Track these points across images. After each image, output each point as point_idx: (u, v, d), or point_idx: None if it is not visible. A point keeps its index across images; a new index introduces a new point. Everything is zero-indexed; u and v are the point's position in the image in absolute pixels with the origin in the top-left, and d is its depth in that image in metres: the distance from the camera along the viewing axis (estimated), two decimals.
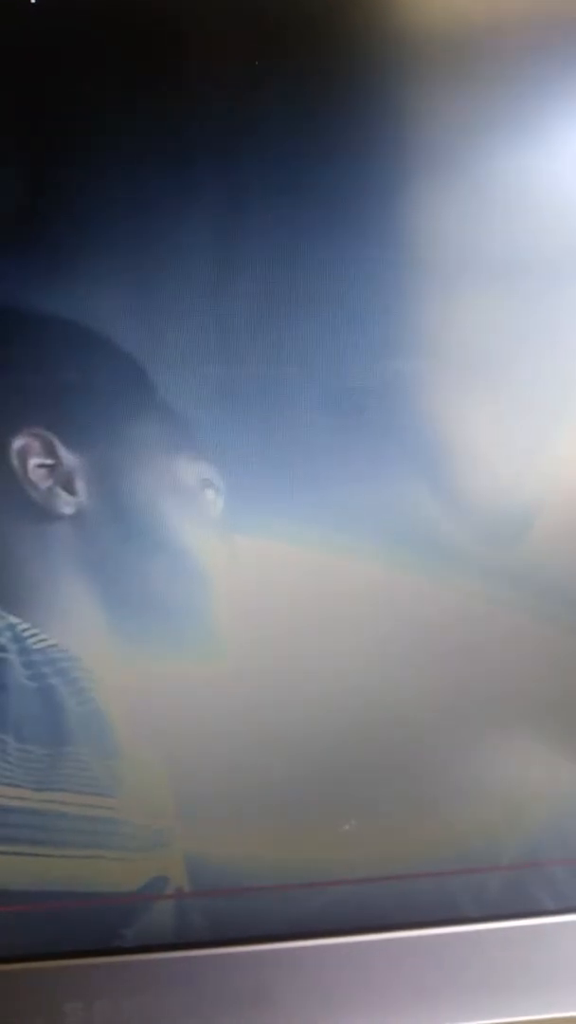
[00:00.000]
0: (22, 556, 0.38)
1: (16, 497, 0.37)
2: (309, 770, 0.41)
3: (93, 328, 0.36)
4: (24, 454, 0.36)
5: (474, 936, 0.42)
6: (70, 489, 0.37)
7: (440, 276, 0.37)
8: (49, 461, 0.37)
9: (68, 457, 0.37)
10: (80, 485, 0.37)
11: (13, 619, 0.38)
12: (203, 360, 0.37)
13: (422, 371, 0.38)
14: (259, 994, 0.41)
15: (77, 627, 0.38)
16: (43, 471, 0.37)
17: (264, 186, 0.36)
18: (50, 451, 0.37)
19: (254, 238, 0.36)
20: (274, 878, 0.41)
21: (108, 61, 0.34)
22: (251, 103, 0.35)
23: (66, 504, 0.37)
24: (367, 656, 0.40)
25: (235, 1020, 0.41)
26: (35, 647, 0.38)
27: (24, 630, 0.38)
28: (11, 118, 0.34)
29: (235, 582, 0.38)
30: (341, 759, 0.41)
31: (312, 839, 0.41)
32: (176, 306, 0.36)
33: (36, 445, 0.36)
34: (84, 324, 0.36)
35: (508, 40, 0.36)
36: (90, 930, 0.40)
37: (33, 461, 0.37)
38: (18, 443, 0.36)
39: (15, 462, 0.37)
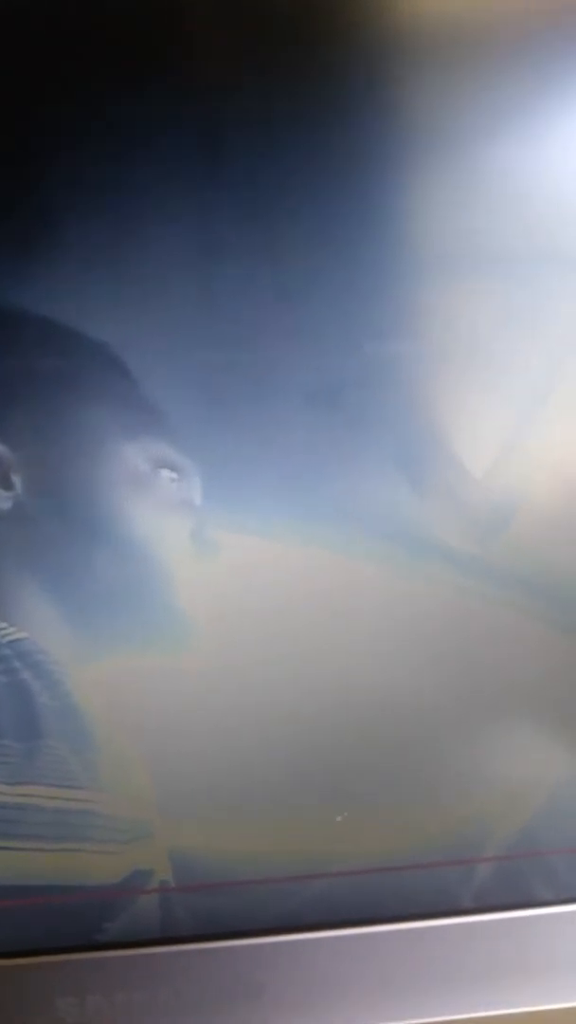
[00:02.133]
0: None
1: None
2: (292, 760, 0.40)
3: (52, 315, 0.35)
4: None
5: (471, 927, 0.42)
6: (6, 484, 0.37)
7: (426, 267, 0.37)
8: None
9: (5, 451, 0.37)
10: (24, 477, 0.37)
11: None
12: (180, 346, 0.36)
13: (406, 363, 0.37)
14: (252, 988, 0.41)
15: (46, 621, 0.38)
16: None
17: (248, 171, 0.35)
18: None
19: (237, 223, 0.35)
20: (264, 871, 0.41)
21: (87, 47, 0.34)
22: (235, 88, 0.34)
23: (3, 499, 0.37)
24: (348, 648, 0.39)
25: (229, 1014, 0.41)
26: (6, 640, 0.38)
27: None
28: None
29: (208, 573, 0.38)
30: (325, 749, 0.40)
31: (299, 830, 0.41)
32: (150, 288, 0.35)
33: None
34: (38, 309, 0.35)
35: (504, 35, 0.35)
36: (79, 925, 0.40)
37: None
38: None
39: None
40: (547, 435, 0.38)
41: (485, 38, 0.35)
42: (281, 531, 0.38)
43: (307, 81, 0.34)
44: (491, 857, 0.42)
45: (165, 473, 0.37)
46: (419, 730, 0.41)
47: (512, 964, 0.42)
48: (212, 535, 0.38)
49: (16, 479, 0.37)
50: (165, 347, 0.36)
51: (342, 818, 0.41)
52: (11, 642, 0.38)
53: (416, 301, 0.37)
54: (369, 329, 0.37)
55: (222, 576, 0.38)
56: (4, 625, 0.38)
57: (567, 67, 0.35)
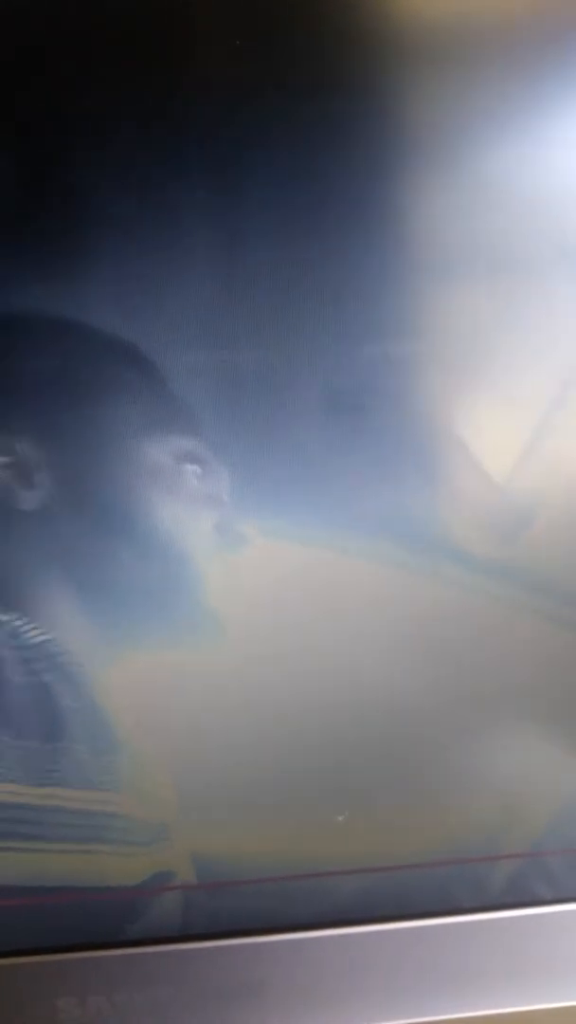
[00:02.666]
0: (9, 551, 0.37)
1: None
2: (309, 760, 0.40)
3: (76, 315, 0.35)
4: None
5: (472, 927, 0.42)
6: (31, 483, 0.37)
7: (443, 271, 0.37)
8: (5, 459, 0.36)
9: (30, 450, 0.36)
10: (49, 476, 0.37)
11: (4, 616, 0.38)
12: (203, 344, 0.36)
13: (424, 366, 0.38)
14: (254, 987, 0.41)
15: (70, 621, 0.38)
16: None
17: (267, 172, 0.35)
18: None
19: (256, 218, 0.36)
20: (275, 870, 0.41)
21: (102, 47, 0.34)
22: (253, 92, 0.35)
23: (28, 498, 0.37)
24: (367, 648, 0.40)
25: (230, 1013, 0.41)
26: (30, 642, 0.38)
27: (19, 625, 0.38)
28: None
29: (232, 572, 0.38)
30: (340, 750, 0.41)
31: (314, 830, 0.41)
32: (171, 287, 0.36)
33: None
34: (63, 309, 0.35)
35: (501, 37, 0.36)
36: (84, 925, 0.40)
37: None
38: None
39: None
40: (565, 440, 0.39)
41: (482, 39, 0.35)
42: (303, 530, 0.38)
43: (325, 90, 0.35)
44: (496, 856, 0.42)
45: (189, 469, 0.37)
46: (428, 732, 0.41)
47: (513, 963, 0.42)
48: (238, 532, 0.38)
49: (41, 478, 0.36)
50: (188, 345, 0.36)
51: (343, 818, 0.41)
52: (36, 643, 0.38)
53: (435, 303, 0.38)
54: (390, 330, 0.37)
55: (246, 575, 0.38)
56: (29, 625, 0.38)
57: (566, 66, 0.36)
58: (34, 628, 0.38)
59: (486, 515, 0.39)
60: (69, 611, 0.38)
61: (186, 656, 0.39)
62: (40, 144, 0.34)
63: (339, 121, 0.35)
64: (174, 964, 0.40)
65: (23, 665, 0.38)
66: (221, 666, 0.39)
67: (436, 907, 0.42)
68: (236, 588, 0.38)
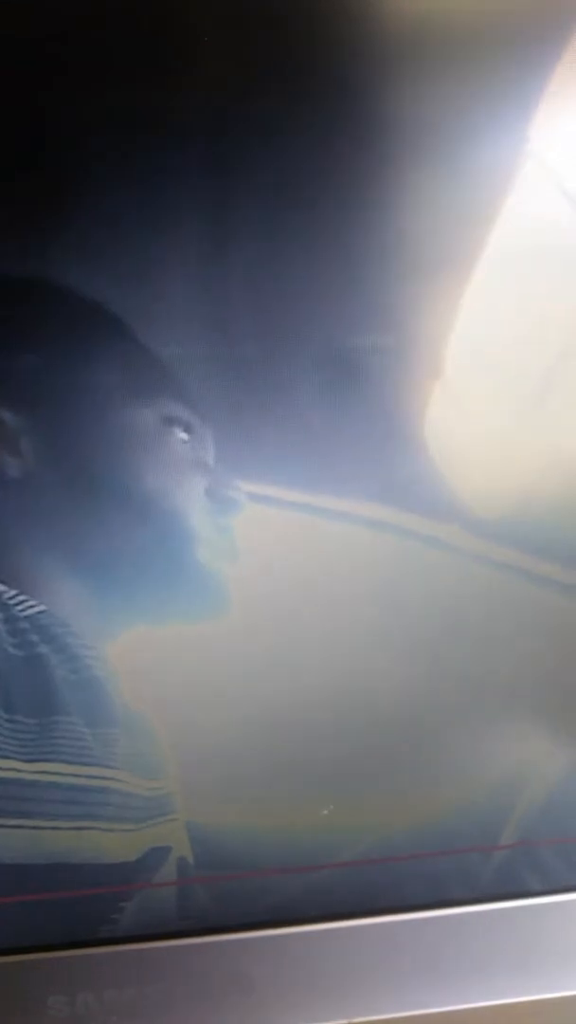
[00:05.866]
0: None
1: None
2: (308, 734, 0.40)
3: (59, 279, 0.35)
4: None
5: (464, 919, 0.41)
6: (15, 451, 0.36)
7: (434, 252, 0.38)
8: None
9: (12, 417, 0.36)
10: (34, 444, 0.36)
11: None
12: (189, 306, 0.36)
13: (417, 328, 0.38)
14: (245, 982, 0.40)
15: (62, 592, 0.37)
16: None
17: (259, 156, 0.36)
18: None
19: (248, 184, 0.36)
20: (272, 860, 0.40)
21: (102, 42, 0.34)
22: (246, 81, 0.35)
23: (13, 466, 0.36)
24: (363, 623, 0.40)
25: (222, 1009, 0.40)
26: (23, 614, 0.37)
27: (11, 597, 0.37)
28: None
29: (226, 539, 0.38)
30: (337, 731, 0.40)
31: (311, 807, 0.41)
32: (160, 252, 0.36)
33: None
34: (45, 273, 0.35)
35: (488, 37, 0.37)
36: (73, 922, 0.39)
37: None
38: None
39: None
40: (559, 411, 0.40)
41: (467, 39, 0.36)
42: (304, 500, 0.38)
43: (320, 85, 0.36)
44: (489, 847, 0.42)
45: (177, 433, 0.37)
46: (424, 713, 0.41)
47: (505, 955, 0.42)
48: (230, 496, 0.38)
49: (26, 445, 0.36)
50: (174, 308, 0.36)
51: (328, 811, 0.41)
52: (28, 615, 0.37)
53: (420, 282, 0.38)
54: (387, 308, 0.38)
55: (242, 540, 0.38)
56: (21, 597, 0.37)
57: (553, 66, 0.37)
58: (26, 600, 0.37)
59: (485, 482, 0.40)
60: (62, 581, 0.37)
61: (185, 628, 0.38)
62: (40, 141, 0.35)
63: (333, 118, 0.36)
64: (164, 960, 0.40)
65: (14, 637, 0.37)
66: (219, 635, 0.38)
67: (428, 899, 0.41)
68: (232, 555, 0.38)
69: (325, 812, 0.41)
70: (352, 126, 0.36)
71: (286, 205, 0.36)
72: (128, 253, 0.36)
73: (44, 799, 0.38)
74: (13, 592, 0.37)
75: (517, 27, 0.36)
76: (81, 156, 0.35)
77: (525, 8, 0.36)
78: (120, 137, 0.35)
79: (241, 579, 0.38)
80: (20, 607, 0.37)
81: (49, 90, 0.34)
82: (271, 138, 0.36)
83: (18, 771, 0.37)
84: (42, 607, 0.37)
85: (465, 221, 0.38)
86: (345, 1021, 0.40)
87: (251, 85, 0.35)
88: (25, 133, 0.34)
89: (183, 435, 0.37)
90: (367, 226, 0.37)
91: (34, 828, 0.38)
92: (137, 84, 0.35)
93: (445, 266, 0.38)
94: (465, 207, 0.37)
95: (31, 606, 0.37)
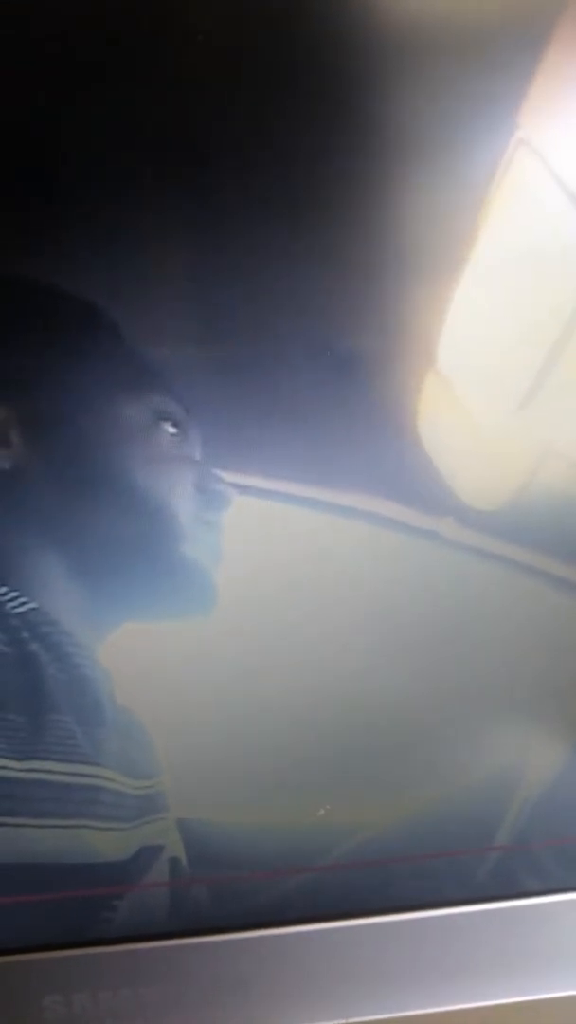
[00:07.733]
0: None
1: None
2: (302, 732, 0.40)
3: (48, 275, 0.35)
4: None
5: (459, 920, 0.41)
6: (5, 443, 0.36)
7: (426, 249, 0.38)
8: None
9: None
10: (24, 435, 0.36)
11: None
12: (179, 300, 0.36)
13: (408, 322, 0.38)
14: (241, 982, 0.40)
15: (54, 589, 0.37)
16: None
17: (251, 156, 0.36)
18: None
19: (236, 180, 0.36)
20: (268, 860, 0.40)
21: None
22: (240, 82, 0.35)
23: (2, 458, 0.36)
24: (356, 618, 0.40)
25: (217, 1009, 0.40)
26: (14, 611, 0.37)
27: (2, 594, 0.37)
28: None
29: (217, 534, 0.38)
30: (331, 728, 0.40)
31: (305, 806, 0.40)
32: (148, 247, 0.36)
33: None
34: (35, 270, 0.35)
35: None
36: (68, 922, 0.39)
37: None
38: None
39: None
40: (556, 402, 0.39)
41: (467, 39, 0.36)
42: (296, 494, 0.38)
43: (314, 86, 0.35)
44: (485, 848, 0.42)
45: (166, 428, 0.37)
46: (426, 710, 0.41)
47: (502, 955, 0.41)
48: (219, 491, 0.37)
49: (15, 437, 0.36)
50: (163, 302, 0.36)
51: (324, 811, 0.40)
52: (19, 613, 0.37)
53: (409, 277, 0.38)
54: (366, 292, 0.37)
55: (231, 536, 0.38)
56: (12, 594, 0.37)
57: (552, 65, 0.36)
58: (17, 597, 0.37)
59: (483, 476, 0.39)
60: (52, 578, 0.37)
61: (176, 624, 0.38)
62: (33, 142, 0.35)
63: (324, 119, 0.35)
64: (159, 961, 0.39)
65: (4, 634, 0.37)
66: (210, 631, 0.38)
67: (423, 900, 0.41)
68: (222, 550, 0.38)
69: (321, 812, 0.40)
70: (344, 126, 0.36)
71: (277, 201, 0.36)
72: (120, 251, 0.36)
73: (35, 797, 0.37)
74: (4, 589, 0.37)
75: (517, 27, 0.36)
76: (73, 157, 0.35)
77: (525, 8, 0.36)
78: (112, 138, 0.35)
79: (232, 574, 0.38)
80: (11, 604, 0.37)
81: (41, 91, 0.34)
82: (262, 138, 0.35)
83: (8, 769, 0.37)
84: (33, 604, 0.37)
85: (458, 218, 0.37)
86: (340, 1022, 0.40)
87: (245, 85, 0.35)
88: (19, 134, 0.34)
89: (172, 429, 0.37)
90: (359, 225, 0.37)
91: (25, 826, 0.38)
92: (133, 84, 0.35)
93: (436, 262, 0.38)
94: (458, 205, 0.37)
95: (22, 603, 0.37)
